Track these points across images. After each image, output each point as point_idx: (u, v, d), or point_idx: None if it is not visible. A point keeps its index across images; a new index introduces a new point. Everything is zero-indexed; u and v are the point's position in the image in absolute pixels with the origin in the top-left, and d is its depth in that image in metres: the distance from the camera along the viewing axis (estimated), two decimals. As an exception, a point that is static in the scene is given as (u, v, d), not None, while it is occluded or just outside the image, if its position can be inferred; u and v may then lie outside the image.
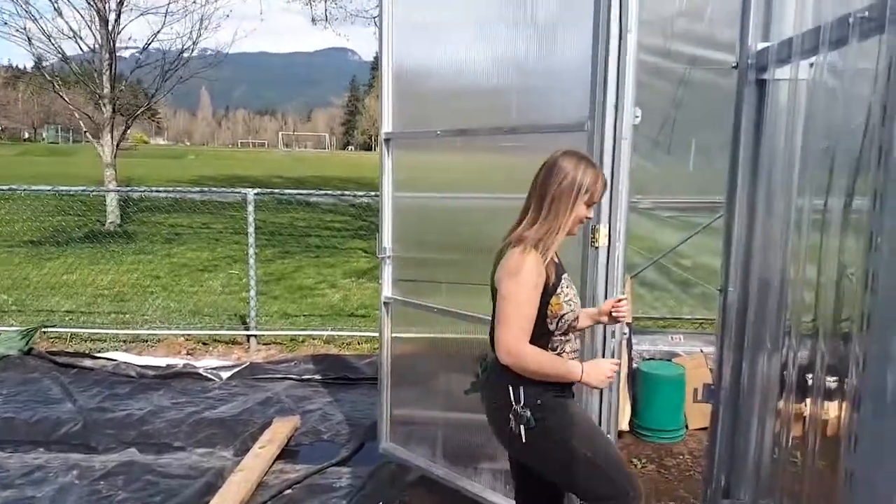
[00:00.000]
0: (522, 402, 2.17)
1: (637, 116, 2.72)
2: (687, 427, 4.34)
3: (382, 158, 3.71)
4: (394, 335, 3.84)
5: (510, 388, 2.19)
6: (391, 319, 3.79)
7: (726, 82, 4.71)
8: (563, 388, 2.27)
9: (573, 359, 2.31)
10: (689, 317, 5.58)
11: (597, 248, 2.73)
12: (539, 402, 2.19)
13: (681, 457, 4.10)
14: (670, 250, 5.54)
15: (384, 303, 3.77)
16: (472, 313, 3.30)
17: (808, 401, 1.34)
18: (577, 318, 2.31)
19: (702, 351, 4.76)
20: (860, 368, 0.97)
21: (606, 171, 2.69)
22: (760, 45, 1.42)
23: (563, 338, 2.28)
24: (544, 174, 2.25)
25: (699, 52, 4.29)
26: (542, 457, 2.26)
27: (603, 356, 2.77)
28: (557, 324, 2.23)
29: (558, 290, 2.21)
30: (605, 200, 2.70)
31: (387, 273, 3.76)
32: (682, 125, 4.81)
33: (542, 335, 2.22)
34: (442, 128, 3.40)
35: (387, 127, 3.68)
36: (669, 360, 4.62)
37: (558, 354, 2.26)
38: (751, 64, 1.44)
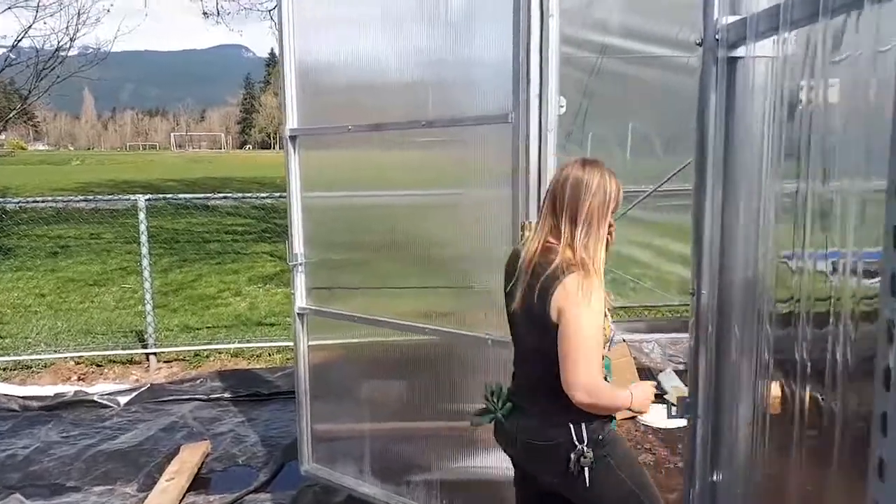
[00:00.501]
0: (586, 441, 1.96)
1: (562, 106, 2.59)
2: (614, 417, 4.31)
3: (288, 157, 3.42)
4: (311, 344, 3.57)
5: (571, 426, 1.96)
6: (307, 332, 3.52)
7: (637, 70, 4.79)
8: (612, 418, 2.06)
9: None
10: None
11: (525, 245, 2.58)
12: (601, 437, 1.98)
13: (612, 451, 4.06)
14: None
15: (298, 314, 3.50)
16: (397, 319, 3.09)
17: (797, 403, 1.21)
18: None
19: (623, 340, 4.75)
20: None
21: (533, 166, 2.56)
22: (731, 19, 1.27)
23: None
24: (570, 191, 2.00)
25: (610, 40, 4.26)
26: (597, 494, 2.02)
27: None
28: (608, 348, 2.03)
29: (606, 313, 2.00)
30: (532, 197, 2.57)
31: (300, 281, 3.48)
32: (594, 116, 4.78)
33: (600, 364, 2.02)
34: (354, 123, 3.16)
35: (292, 123, 3.40)
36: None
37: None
38: (719, 40, 1.29)
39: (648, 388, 2.12)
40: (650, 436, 4.20)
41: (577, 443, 1.95)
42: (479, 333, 2.76)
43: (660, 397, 4.71)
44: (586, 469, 1.95)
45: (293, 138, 3.42)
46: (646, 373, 4.91)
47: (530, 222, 2.56)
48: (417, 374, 3.12)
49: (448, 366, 2.98)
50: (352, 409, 3.53)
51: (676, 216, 5.41)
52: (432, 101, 2.90)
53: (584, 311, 1.89)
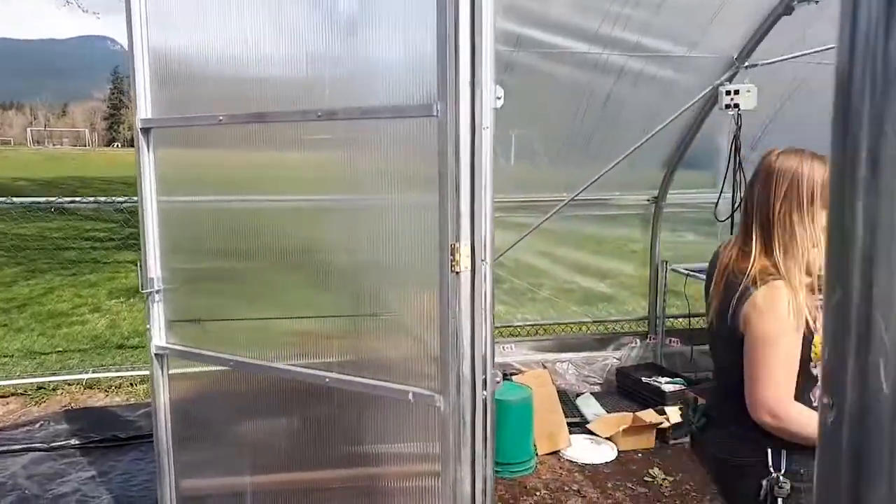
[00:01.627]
0: (784, 470, 1.79)
1: (499, 98, 2.07)
2: (537, 454, 3.85)
3: (140, 155, 2.69)
4: (175, 389, 2.85)
5: (769, 451, 1.80)
6: (167, 377, 2.79)
7: (552, 67, 4.38)
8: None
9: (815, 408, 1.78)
10: (520, 323, 5.16)
11: (457, 272, 2.04)
12: (802, 471, 1.78)
13: (537, 493, 3.58)
14: (501, 254, 5.06)
15: (156, 355, 2.76)
16: (287, 366, 2.45)
17: None
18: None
19: (544, 366, 4.32)
20: None
21: (465, 169, 2.01)
22: None
23: (816, 384, 1.79)
24: (761, 185, 1.82)
25: (527, 31, 3.80)
26: None
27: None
28: (816, 370, 1.78)
29: (817, 326, 1.75)
30: (464, 209, 2.03)
31: (157, 313, 2.75)
32: (504, 117, 4.32)
33: (809, 386, 1.79)
34: (227, 113, 2.48)
35: (144, 113, 2.68)
36: (509, 378, 4.11)
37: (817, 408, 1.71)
38: None
39: None
40: (576, 473, 3.77)
41: (772, 469, 1.80)
42: (397, 385, 2.18)
43: (580, 426, 4.31)
44: (779, 501, 1.78)
45: (146, 131, 2.69)
46: (561, 397, 4.50)
47: (459, 244, 2.01)
48: (314, 428, 2.49)
49: (355, 425, 2.37)
50: (228, 463, 2.84)
51: (578, 225, 5.07)
52: (333, 89, 2.29)
53: (770, 324, 1.74)
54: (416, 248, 2.15)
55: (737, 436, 1.88)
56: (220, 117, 2.50)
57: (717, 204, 4.34)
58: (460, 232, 2.02)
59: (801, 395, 1.81)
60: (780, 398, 1.73)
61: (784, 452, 1.79)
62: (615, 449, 4.02)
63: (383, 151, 2.18)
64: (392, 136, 2.14)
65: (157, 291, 2.74)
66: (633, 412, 4.26)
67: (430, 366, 2.12)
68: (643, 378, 4.67)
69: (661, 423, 4.13)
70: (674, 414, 4.20)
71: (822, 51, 4.11)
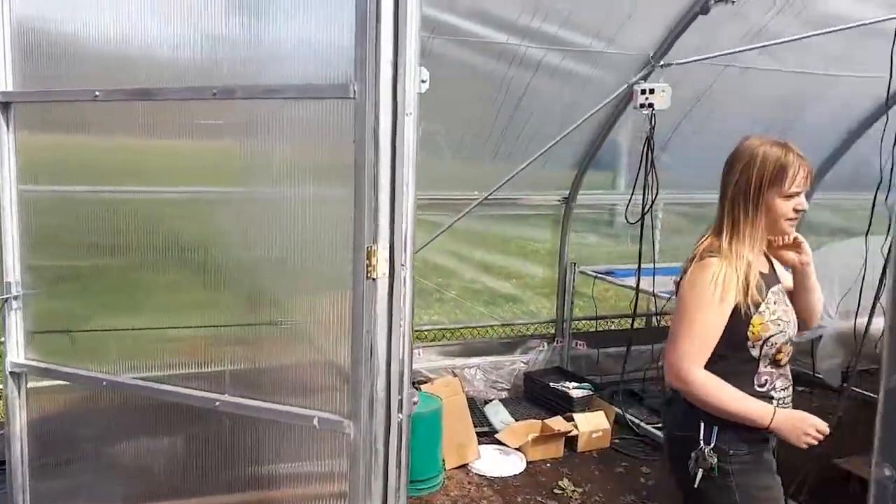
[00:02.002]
0: (713, 445, 1.83)
1: (424, 81, 1.83)
2: (445, 469, 3.65)
3: (-5, 134, 2.27)
4: (34, 412, 2.42)
5: (702, 424, 1.84)
6: (26, 399, 2.36)
7: (470, 56, 4.18)
8: (766, 439, 1.86)
9: (784, 398, 1.90)
10: (428, 327, 4.94)
11: (374, 279, 1.78)
12: (732, 452, 1.82)
13: (446, 512, 3.38)
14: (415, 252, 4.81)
15: (12, 373, 2.33)
16: (171, 386, 2.10)
17: None
18: (790, 343, 1.89)
19: (454, 373, 4.12)
20: None
21: (385, 160, 1.75)
22: None
23: (774, 370, 1.87)
24: (726, 168, 1.92)
25: (446, 17, 3.58)
26: None
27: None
28: (762, 349, 1.83)
29: (762, 308, 1.83)
30: (383, 206, 1.77)
31: (15, 324, 2.32)
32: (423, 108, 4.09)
33: (744, 364, 1.85)
34: (106, 88, 2.11)
35: (3, 84, 2.26)
36: (418, 387, 3.88)
37: (767, 392, 1.87)
38: None
39: (808, 420, 1.80)
40: (485, 488, 3.59)
41: (701, 442, 1.83)
42: (299, 409, 1.89)
43: (488, 435, 4.15)
44: (700, 472, 1.82)
45: (5, 106, 2.27)
46: (470, 405, 4.31)
47: (377, 247, 1.76)
48: (200, 457, 2.16)
49: (250, 454, 2.06)
50: (98, 495, 2.45)
51: (487, 224, 4.92)
52: (232, 65, 1.97)
53: (691, 298, 1.82)
54: (327, 251, 1.88)
55: (682, 410, 1.91)
56: (97, 93, 2.12)
57: (627, 206, 4.29)
58: (378, 232, 1.77)
59: (741, 377, 1.85)
60: (686, 364, 1.80)
61: (715, 429, 1.83)
62: (524, 460, 3.88)
63: (290, 138, 1.89)
64: (301, 121, 1.85)
65: (16, 297, 2.31)
66: (542, 419, 4.14)
67: (339, 385, 1.86)
68: (551, 384, 4.57)
69: (570, 432, 4.03)
70: (582, 421, 4.11)
71: (734, 52, 4.15)
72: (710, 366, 1.83)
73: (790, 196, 1.83)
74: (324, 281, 1.91)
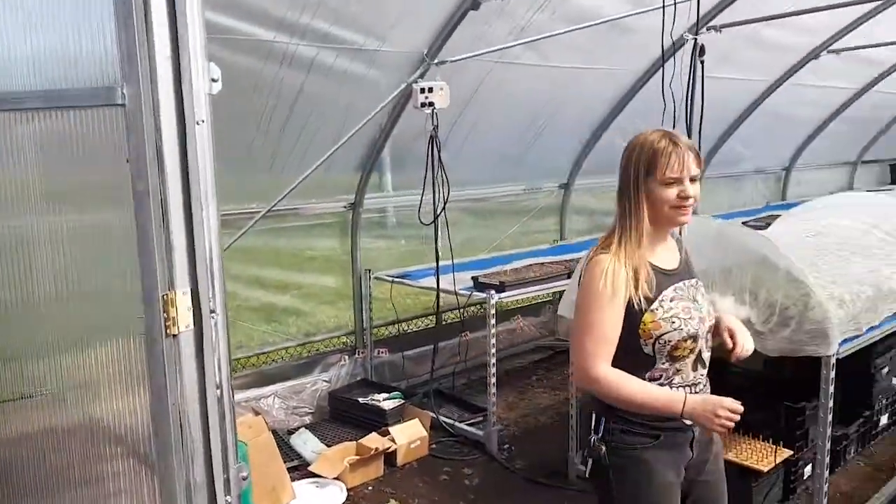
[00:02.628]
0: (600, 435, 1.86)
1: (216, 80, 1.47)
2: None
3: None
4: None
5: (593, 414, 1.88)
6: None
7: (233, 56, 3.73)
8: (661, 435, 1.81)
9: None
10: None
11: (174, 335, 1.39)
12: (612, 444, 1.84)
13: (269, 571, 2.97)
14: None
15: None
16: None
17: None
18: (692, 339, 1.82)
19: (255, 410, 3.67)
20: None
21: (174, 183, 1.37)
22: None
23: (670, 366, 1.83)
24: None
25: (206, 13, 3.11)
26: (599, 497, 1.93)
27: None
28: (655, 347, 1.80)
29: (655, 306, 1.79)
30: (178, 241, 1.39)
31: None
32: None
33: (639, 362, 1.81)
34: None
35: None
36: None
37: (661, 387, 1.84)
38: None
39: (719, 403, 1.73)
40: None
41: (592, 431, 1.88)
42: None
43: (300, 469, 3.79)
44: (589, 463, 1.88)
45: None
46: (276, 438, 3.90)
47: (174, 294, 1.37)
48: None
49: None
50: None
51: (269, 240, 4.52)
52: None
53: (584, 297, 1.81)
54: (105, 304, 1.44)
55: (587, 400, 1.98)
56: None
57: (419, 206, 4.18)
58: (175, 275, 1.38)
59: (636, 372, 1.81)
60: (590, 363, 1.78)
61: (603, 419, 1.85)
62: (344, 489, 3.59)
63: (49, 160, 1.40)
64: (58, 136, 1.38)
65: None
66: (356, 440, 3.88)
67: (145, 477, 1.44)
68: (360, 399, 4.32)
69: (389, 448, 3.83)
70: (399, 433, 3.93)
71: (502, 49, 4.22)
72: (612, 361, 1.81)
73: (669, 183, 1.76)
74: (106, 343, 1.46)
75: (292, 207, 4.42)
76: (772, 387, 3.18)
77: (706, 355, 1.89)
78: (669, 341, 1.79)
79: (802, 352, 2.62)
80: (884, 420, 3.86)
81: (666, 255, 1.89)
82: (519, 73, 4.61)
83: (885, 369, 3.86)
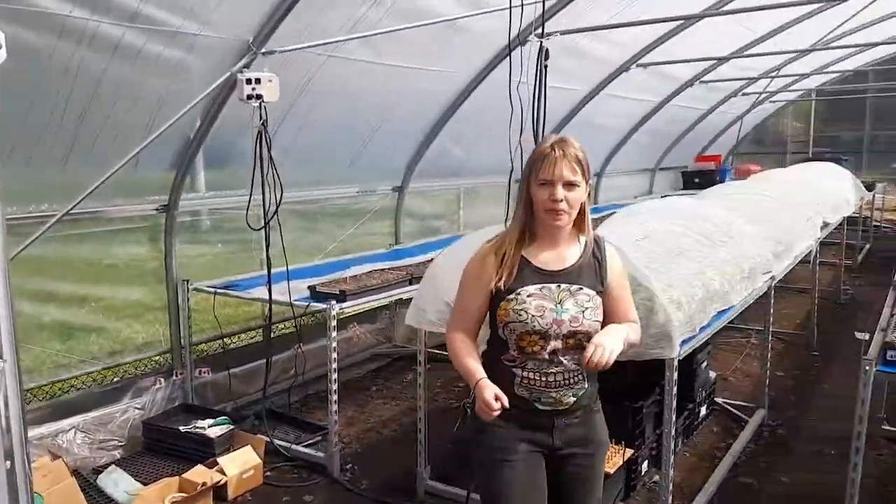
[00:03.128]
0: (471, 398, 2.03)
1: (-2, 44, 1.10)
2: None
3: None
4: None
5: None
6: None
7: (17, 31, 3.09)
8: (511, 410, 1.89)
9: (532, 384, 1.96)
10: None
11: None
12: (469, 411, 2.06)
13: None
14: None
15: None
16: None
17: None
18: (540, 336, 1.92)
19: (52, 453, 3.06)
20: None
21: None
22: None
23: (520, 354, 1.96)
24: None
25: None
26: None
27: None
28: (505, 333, 1.97)
29: (511, 296, 1.93)
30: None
31: None
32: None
33: (495, 343, 2.02)
34: None
35: None
36: None
37: (515, 365, 1.97)
38: None
39: (491, 392, 1.88)
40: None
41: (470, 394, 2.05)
42: None
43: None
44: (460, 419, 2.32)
45: None
46: (81, 480, 3.31)
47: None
48: None
49: None
50: None
51: (63, 248, 3.89)
52: None
53: (463, 274, 2.06)
54: None
55: None
56: None
57: (247, 209, 3.80)
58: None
59: (496, 346, 2.01)
60: (446, 330, 2.10)
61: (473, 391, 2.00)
62: (168, 531, 3.14)
63: None
64: None
65: None
66: (179, 475, 3.42)
67: None
68: (181, 427, 3.84)
69: (219, 481, 3.42)
70: (229, 464, 3.53)
71: (336, 42, 3.96)
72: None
73: (542, 184, 1.90)
74: None
75: (93, 210, 3.83)
76: (616, 389, 3.24)
77: (565, 354, 1.95)
78: (514, 331, 1.94)
79: (648, 355, 2.66)
80: (703, 411, 4.15)
81: (551, 256, 1.99)
82: (353, 69, 4.38)
83: (704, 363, 4.15)
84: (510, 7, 3.52)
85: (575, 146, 1.92)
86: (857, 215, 8.48)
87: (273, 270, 3.88)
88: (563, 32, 4.63)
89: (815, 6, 7.68)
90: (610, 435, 3.17)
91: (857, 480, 2.48)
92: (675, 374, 2.73)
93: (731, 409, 4.39)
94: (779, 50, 8.40)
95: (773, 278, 3.98)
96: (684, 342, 2.84)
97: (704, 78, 8.45)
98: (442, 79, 5.19)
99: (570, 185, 1.87)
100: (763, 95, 10.38)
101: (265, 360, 4.19)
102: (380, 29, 4.03)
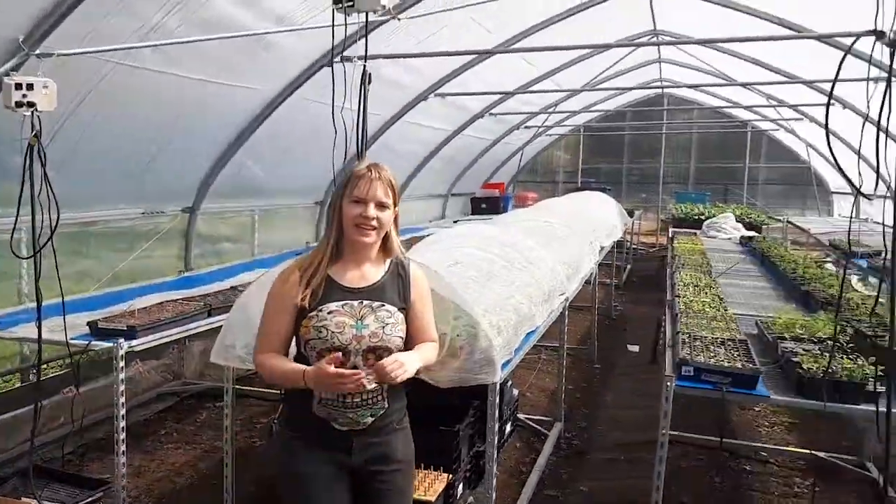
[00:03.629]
0: (277, 415, 2.10)
1: None
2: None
3: None
4: None
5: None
6: None
7: None
8: (309, 430, 2.00)
9: (331, 404, 1.97)
10: None
11: None
12: (277, 431, 2.13)
13: None
14: None
15: None
16: None
17: None
18: (340, 353, 1.90)
19: None
20: None
21: None
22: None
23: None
24: None
25: None
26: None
27: None
28: (306, 350, 1.98)
29: (313, 313, 1.95)
30: None
31: None
32: None
33: (302, 361, 1.98)
34: None
35: None
36: None
37: (311, 392, 1.96)
38: None
39: (331, 373, 1.84)
40: None
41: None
42: None
43: None
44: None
45: None
46: None
47: None
48: None
49: None
50: None
51: None
52: None
53: (267, 295, 2.04)
54: None
55: None
56: None
57: (12, 233, 3.24)
58: None
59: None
60: (253, 355, 2.05)
61: (283, 405, 2.09)
62: None
63: None
64: None
65: None
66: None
67: None
68: (-83, 497, 3.13)
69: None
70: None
71: (126, 49, 3.57)
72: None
73: (355, 201, 1.95)
74: None
75: None
76: (432, 415, 3.24)
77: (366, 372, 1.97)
78: (315, 348, 1.95)
79: (474, 380, 2.69)
80: (508, 428, 4.31)
81: (356, 274, 2.03)
82: (146, 79, 3.97)
83: (509, 382, 4.32)
84: (333, 25, 3.43)
85: (388, 171, 2.04)
86: (620, 239, 9.54)
87: (34, 304, 3.32)
88: (370, 57, 4.63)
89: (586, 51, 8.56)
90: (428, 461, 3.20)
91: (661, 487, 2.70)
92: (497, 398, 2.79)
93: (532, 423, 4.62)
94: (556, 88, 9.23)
95: (567, 299, 4.28)
96: (504, 365, 2.92)
97: (493, 110, 9.00)
98: (244, 95, 4.92)
99: (381, 205, 1.97)
100: (541, 129, 11.32)
101: (33, 408, 3.58)
102: (177, 38, 3.71)
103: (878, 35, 2.37)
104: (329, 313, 1.95)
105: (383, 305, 2.01)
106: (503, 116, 9.59)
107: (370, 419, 2.00)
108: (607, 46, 8.50)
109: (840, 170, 2.49)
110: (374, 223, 1.97)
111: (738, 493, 3.77)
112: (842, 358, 2.72)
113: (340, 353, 1.89)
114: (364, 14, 3.19)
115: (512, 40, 6.87)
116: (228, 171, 5.43)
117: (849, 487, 3.80)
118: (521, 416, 4.67)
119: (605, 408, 5.13)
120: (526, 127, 10.92)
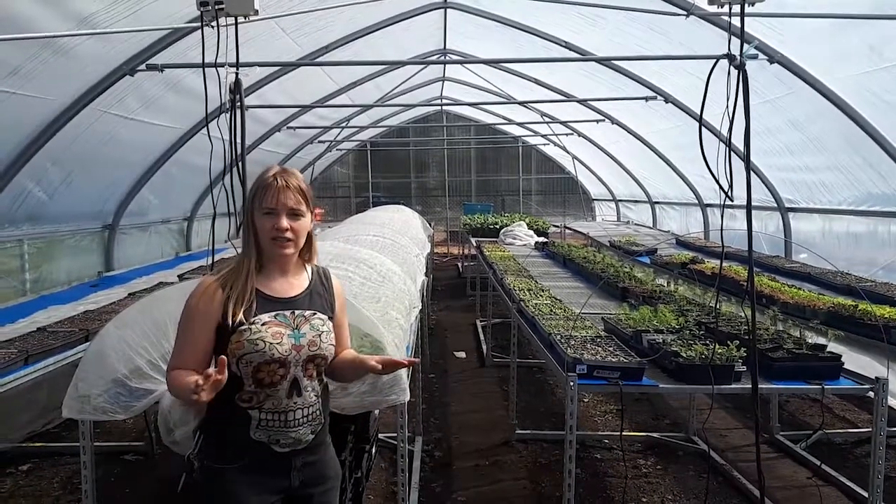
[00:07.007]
0: (195, 451, 1.89)
1: None
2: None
3: None
4: None
5: (196, 432, 1.95)
6: None
7: None
8: (247, 457, 1.86)
9: (271, 425, 1.86)
10: None
11: None
12: (204, 462, 1.87)
13: None
14: None
15: None
16: None
17: None
18: (279, 364, 1.84)
19: None
20: None
21: None
22: None
23: (259, 389, 1.84)
24: None
25: None
26: None
27: None
28: (240, 367, 1.83)
29: (244, 327, 1.83)
30: None
31: None
32: None
33: (231, 382, 1.76)
34: None
35: None
36: None
37: (251, 407, 1.85)
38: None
39: (190, 384, 1.66)
40: None
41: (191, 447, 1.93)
42: None
43: None
44: (184, 476, 1.91)
45: None
46: None
47: None
48: None
49: None
50: None
51: None
52: None
53: (182, 313, 1.90)
54: None
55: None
56: None
57: None
58: None
59: (229, 388, 1.76)
60: (168, 369, 1.87)
61: (201, 436, 1.91)
62: None
63: None
64: None
65: None
66: None
67: None
68: None
69: None
70: None
71: None
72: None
73: (266, 213, 1.86)
74: None
75: None
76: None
77: (306, 384, 1.91)
78: (251, 362, 1.83)
79: (385, 403, 2.55)
80: (373, 450, 4.16)
81: (282, 285, 1.94)
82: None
83: (372, 402, 4.17)
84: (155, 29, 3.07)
85: (298, 176, 1.94)
86: (420, 251, 9.78)
87: None
88: (170, 66, 4.29)
89: (383, 67, 8.67)
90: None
91: (573, 485, 2.77)
92: (407, 419, 2.67)
93: (392, 441, 4.51)
94: (350, 103, 9.22)
95: (420, 311, 4.27)
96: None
97: (291, 123, 8.72)
98: (29, 104, 4.18)
99: (294, 214, 1.88)
100: (333, 143, 11.21)
101: None
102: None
103: (731, 58, 2.71)
104: (263, 325, 1.85)
105: (315, 314, 1.95)
106: (299, 130, 9.33)
107: (311, 436, 1.93)
108: (401, 63, 8.72)
109: (715, 177, 2.71)
110: (290, 234, 1.88)
111: (598, 480, 4.03)
112: (705, 345, 3.03)
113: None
114: (234, 18, 2.94)
115: (315, 53, 6.72)
116: (10, 192, 4.58)
117: (685, 461, 4.25)
118: (381, 436, 4.55)
119: (453, 415, 5.19)
120: (319, 141, 10.74)
